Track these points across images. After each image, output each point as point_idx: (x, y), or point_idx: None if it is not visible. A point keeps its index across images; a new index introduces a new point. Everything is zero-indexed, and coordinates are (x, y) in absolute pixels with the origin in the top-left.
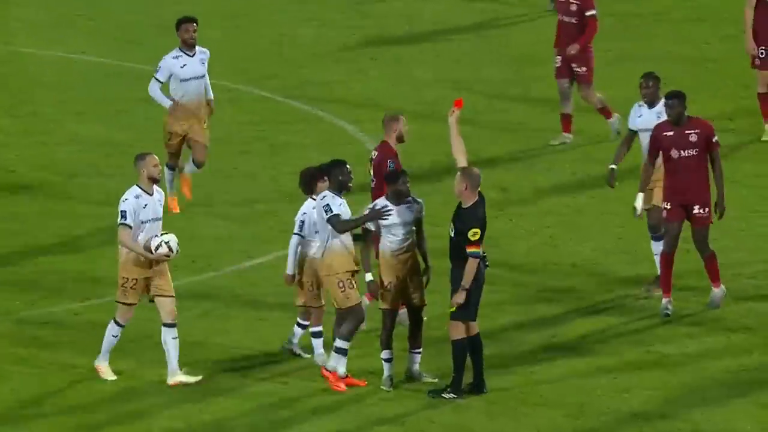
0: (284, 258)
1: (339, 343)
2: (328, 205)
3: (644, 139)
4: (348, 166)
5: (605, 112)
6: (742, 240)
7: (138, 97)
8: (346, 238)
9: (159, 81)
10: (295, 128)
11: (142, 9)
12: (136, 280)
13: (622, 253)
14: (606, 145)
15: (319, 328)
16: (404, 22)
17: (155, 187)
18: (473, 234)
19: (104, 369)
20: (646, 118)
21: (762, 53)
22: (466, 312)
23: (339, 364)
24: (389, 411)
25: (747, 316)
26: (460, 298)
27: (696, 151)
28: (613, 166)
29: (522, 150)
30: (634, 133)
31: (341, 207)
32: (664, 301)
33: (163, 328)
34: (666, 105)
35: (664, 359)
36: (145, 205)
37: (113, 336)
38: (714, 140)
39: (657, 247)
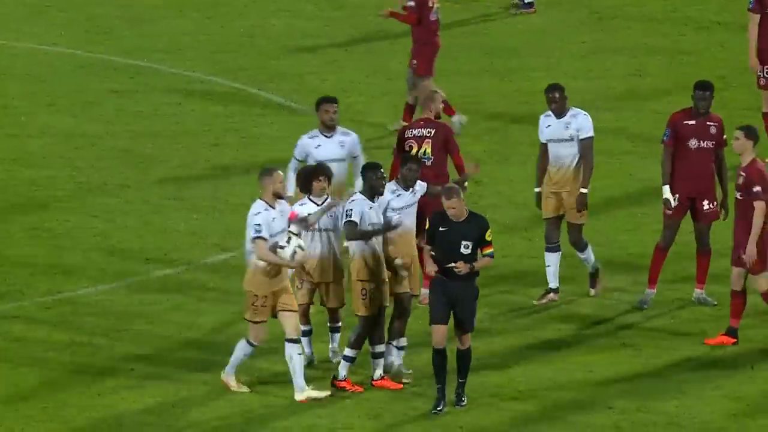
0: None
1: (347, 351)
2: (350, 209)
3: (554, 149)
4: (382, 170)
5: (446, 107)
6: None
7: (108, 89)
8: (378, 245)
9: (296, 159)
10: (267, 120)
11: (113, 0)
12: (266, 297)
13: (597, 245)
14: None
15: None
16: (377, 13)
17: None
18: (489, 234)
19: (233, 383)
20: (555, 128)
21: (766, 72)
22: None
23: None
24: (365, 406)
25: (720, 308)
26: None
27: (712, 144)
28: (538, 189)
29: (497, 141)
30: (545, 146)
31: (368, 212)
32: (648, 291)
33: (287, 344)
34: (697, 95)
35: (639, 353)
36: (273, 218)
37: (244, 354)
38: (724, 137)
39: (551, 258)
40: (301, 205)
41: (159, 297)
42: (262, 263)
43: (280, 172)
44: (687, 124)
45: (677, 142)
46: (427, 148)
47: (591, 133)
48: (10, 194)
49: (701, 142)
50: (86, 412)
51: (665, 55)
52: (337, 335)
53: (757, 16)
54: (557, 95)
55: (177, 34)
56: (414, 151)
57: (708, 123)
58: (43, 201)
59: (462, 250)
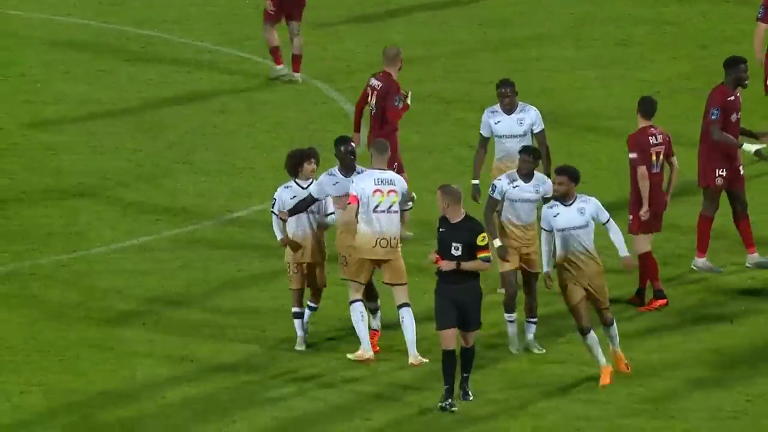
0: (262, 212)
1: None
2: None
3: (508, 144)
4: (351, 144)
5: (275, 55)
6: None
7: (121, 58)
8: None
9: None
10: (271, 87)
11: None
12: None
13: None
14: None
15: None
16: None
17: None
18: (482, 239)
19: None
20: (507, 125)
21: None
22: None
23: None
24: (357, 371)
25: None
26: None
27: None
28: (476, 182)
29: None
30: (487, 140)
31: (331, 187)
32: (703, 260)
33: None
34: (741, 68)
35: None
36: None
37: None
38: None
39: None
40: (286, 188)
41: (169, 255)
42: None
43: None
44: (729, 100)
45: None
46: (373, 99)
47: (543, 126)
48: (26, 158)
49: (737, 114)
50: (100, 364)
51: (650, 25)
52: (311, 312)
53: (764, 26)
54: (509, 91)
55: (185, 6)
56: (370, 100)
57: (738, 96)
58: (59, 164)
59: (452, 251)
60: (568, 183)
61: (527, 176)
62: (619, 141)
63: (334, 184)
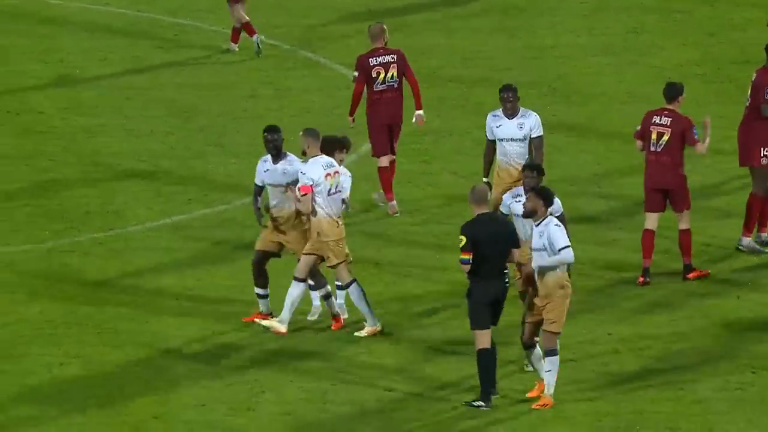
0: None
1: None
2: None
3: (507, 147)
4: (275, 133)
5: (248, 29)
6: (708, 176)
7: (155, 45)
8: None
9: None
10: (298, 74)
11: None
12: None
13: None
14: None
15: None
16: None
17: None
18: (459, 242)
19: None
20: (508, 128)
21: None
22: (472, 322)
23: None
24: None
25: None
26: None
27: None
28: (486, 180)
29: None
30: (493, 143)
31: (263, 173)
32: (748, 239)
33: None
34: None
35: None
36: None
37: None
38: None
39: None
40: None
41: (200, 234)
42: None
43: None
44: None
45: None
46: (393, 72)
47: (542, 131)
48: (66, 140)
49: None
50: (136, 336)
51: (660, 14)
52: (342, 292)
53: None
54: (511, 95)
55: None
56: (381, 77)
57: None
58: (96, 147)
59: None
60: (536, 199)
61: (529, 216)
62: (630, 124)
63: (265, 171)
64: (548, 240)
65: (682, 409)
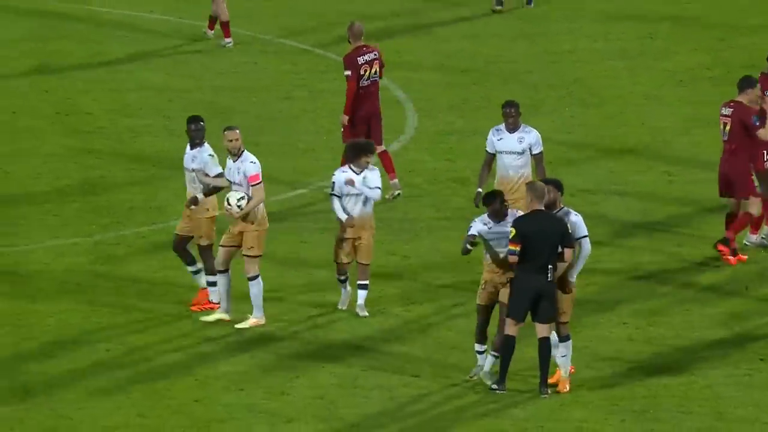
0: (321, 189)
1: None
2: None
3: (506, 160)
4: (199, 123)
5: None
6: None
7: (195, 50)
8: None
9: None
10: (331, 77)
11: None
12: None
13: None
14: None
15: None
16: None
17: None
18: (510, 233)
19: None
20: (508, 142)
21: None
22: (509, 309)
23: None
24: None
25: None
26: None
27: None
28: (479, 190)
29: (528, 95)
30: (492, 156)
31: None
32: (756, 236)
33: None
34: None
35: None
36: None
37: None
38: None
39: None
40: (343, 172)
41: None
42: None
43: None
44: None
45: None
46: (376, 68)
47: (542, 148)
48: (112, 140)
49: None
50: (178, 321)
51: (672, 20)
52: (364, 292)
53: None
54: (513, 111)
55: (252, 2)
56: (367, 73)
57: None
58: (140, 146)
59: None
60: (554, 192)
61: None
62: (645, 125)
63: (184, 155)
64: (570, 228)
65: (693, 394)
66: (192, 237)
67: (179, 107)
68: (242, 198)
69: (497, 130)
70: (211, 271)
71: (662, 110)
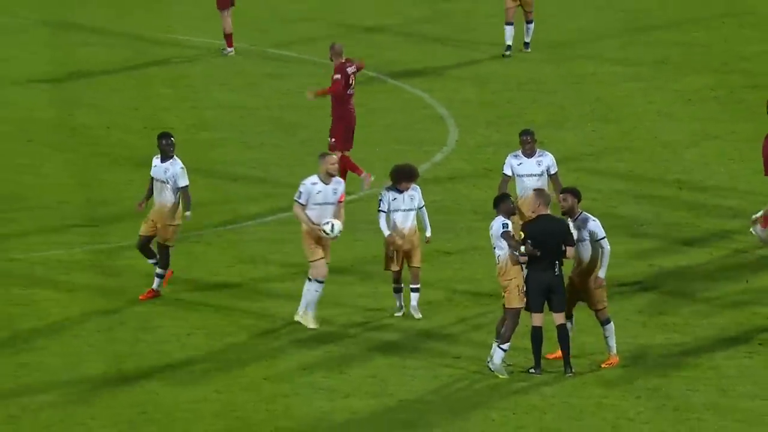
0: (373, 194)
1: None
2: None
3: (527, 182)
4: (170, 138)
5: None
6: (724, 181)
7: (264, 73)
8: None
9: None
10: (383, 96)
11: (268, 8)
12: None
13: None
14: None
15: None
16: (464, 16)
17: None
18: (520, 236)
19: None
20: (527, 166)
21: None
22: (528, 305)
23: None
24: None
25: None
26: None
27: None
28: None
29: (554, 112)
30: (509, 178)
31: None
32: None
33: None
34: None
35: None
36: (319, 191)
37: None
38: None
39: None
40: (389, 190)
41: (298, 227)
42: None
43: (334, 156)
44: None
45: None
46: (354, 80)
47: (557, 168)
48: (192, 151)
49: None
50: (249, 311)
51: (682, 47)
52: (417, 295)
53: None
54: (530, 138)
55: (313, 31)
56: (352, 83)
57: None
58: (216, 157)
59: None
60: (572, 199)
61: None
62: (658, 139)
63: (154, 166)
64: (589, 232)
65: (699, 374)
66: (152, 237)
67: (250, 122)
68: (331, 223)
69: (515, 155)
70: (163, 266)
71: (672, 126)
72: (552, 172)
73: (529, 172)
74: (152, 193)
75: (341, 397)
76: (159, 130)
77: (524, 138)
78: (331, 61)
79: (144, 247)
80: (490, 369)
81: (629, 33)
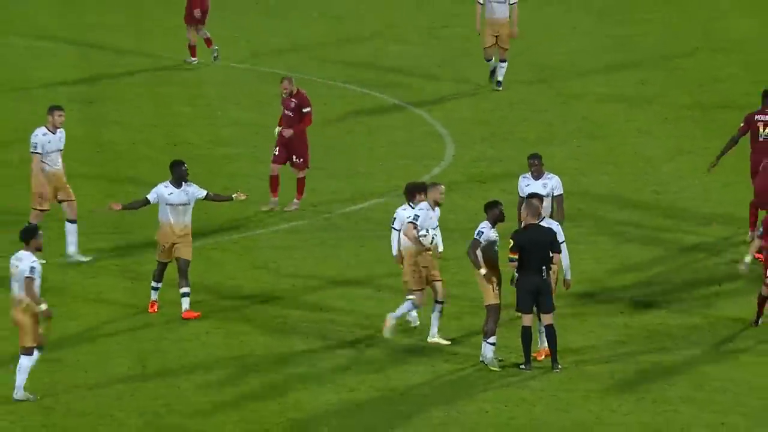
0: (378, 205)
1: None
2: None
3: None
4: (185, 166)
5: (207, 42)
6: (698, 193)
7: (275, 93)
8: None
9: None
10: (386, 115)
11: (281, 32)
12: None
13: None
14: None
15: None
16: (461, 41)
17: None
18: (509, 244)
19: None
20: (534, 187)
21: None
22: (518, 307)
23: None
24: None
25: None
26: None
27: None
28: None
29: (543, 129)
30: (523, 199)
31: (166, 195)
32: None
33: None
34: None
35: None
36: (430, 217)
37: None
38: None
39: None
40: (404, 209)
41: (309, 236)
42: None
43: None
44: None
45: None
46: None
47: (562, 190)
48: (209, 165)
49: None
50: (263, 313)
51: (662, 70)
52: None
53: None
54: (537, 162)
55: (321, 53)
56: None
57: None
58: (231, 170)
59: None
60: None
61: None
62: (638, 154)
63: (169, 194)
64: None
65: (676, 369)
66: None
67: (263, 139)
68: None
69: (524, 177)
70: (188, 282)
71: (652, 142)
72: (556, 193)
73: (537, 191)
74: (132, 209)
75: (347, 391)
76: (179, 145)
77: (532, 161)
78: (293, 94)
79: (162, 272)
80: (483, 363)
81: (613, 57)
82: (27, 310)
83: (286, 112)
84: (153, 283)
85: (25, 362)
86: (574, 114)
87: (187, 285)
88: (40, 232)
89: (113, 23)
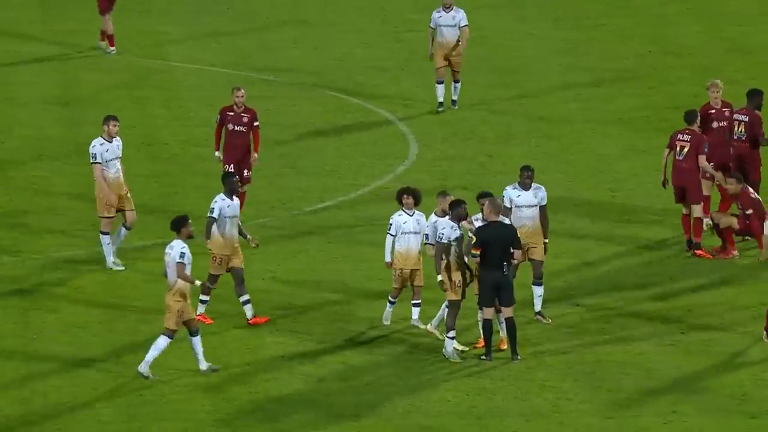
0: (345, 201)
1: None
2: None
3: (523, 212)
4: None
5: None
6: (650, 190)
7: (250, 94)
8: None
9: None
10: (352, 116)
11: (248, 32)
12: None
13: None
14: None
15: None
16: (423, 44)
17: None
18: (471, 240)
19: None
20: (525, 198)
21: None
22: (479, 301)
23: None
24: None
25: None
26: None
27: None
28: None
29: (501, 130)
30: (508, 209)
31: (225, 208)
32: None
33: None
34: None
35: None
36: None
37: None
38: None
39: (538, 290)
40: (399, 215)
41: (280, 232)
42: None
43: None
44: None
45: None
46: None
47: (546, 201)
48: (183, 163)
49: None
50: (267, 302)
51: (614, 72)
52: (417, 309)
53: None
54: (530, 174)
55: (292, 56)
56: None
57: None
58: (206, 169)
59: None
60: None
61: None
62: (593, 153)
63: (228, 206)
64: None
65: (629, 359)
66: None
67: None
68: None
69: (514, 188)
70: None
71: (606, 141)
72: (543, 203)
73: (527, 203)
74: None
75: (315, 381)
76: (154, 145)
77: (525, 173)
78: (241, 107)
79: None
80: (444, 356)
81: (569, 60)
82: (176, 293)
83: (237, 128)
84: (202, 297)
85: (162, 342)
86: (531, 114)
87: (245, 293)
88: (190, 221)
89: (92, 29)
